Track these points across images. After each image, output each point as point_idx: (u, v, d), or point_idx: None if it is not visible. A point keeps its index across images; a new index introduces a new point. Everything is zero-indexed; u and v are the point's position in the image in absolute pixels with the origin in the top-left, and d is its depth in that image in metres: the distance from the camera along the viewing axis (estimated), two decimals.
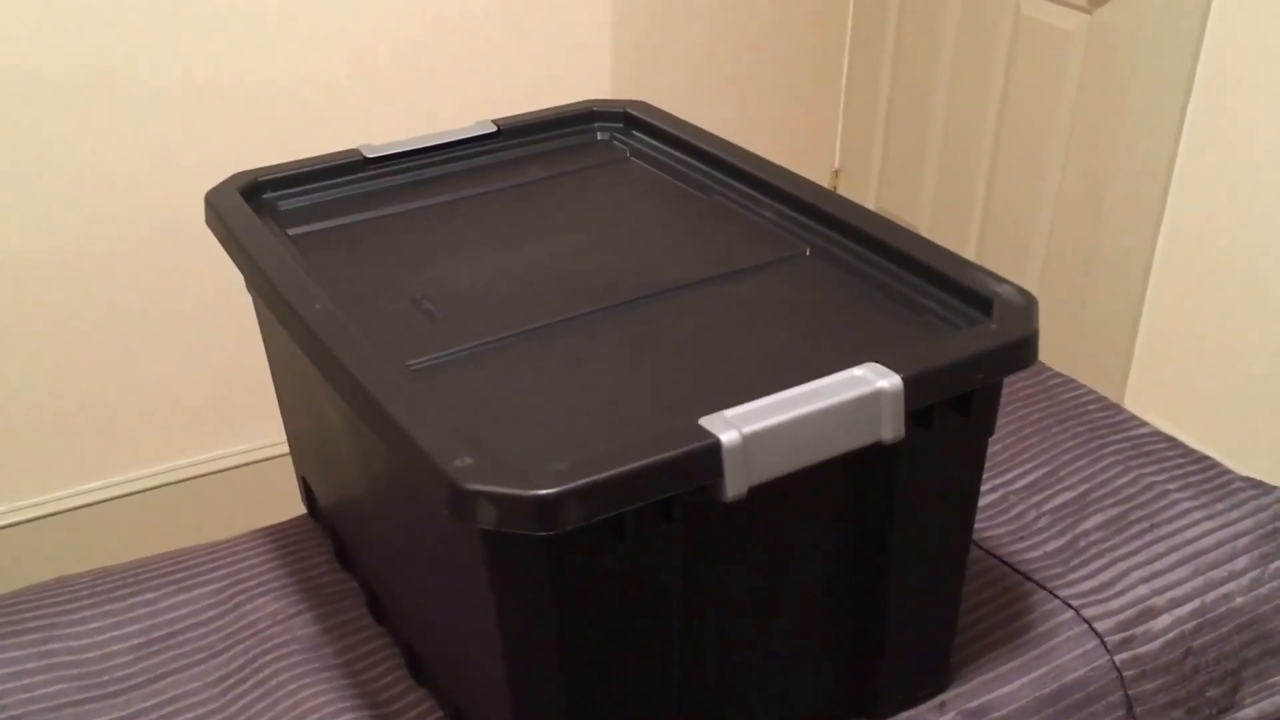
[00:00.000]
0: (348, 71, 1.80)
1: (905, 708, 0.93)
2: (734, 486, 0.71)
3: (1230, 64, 1.67)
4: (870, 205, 2.39)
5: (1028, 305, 0.83)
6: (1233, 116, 1.69)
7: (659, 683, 0.79)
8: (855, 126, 2.41)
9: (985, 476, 1.16)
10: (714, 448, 0.69)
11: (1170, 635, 1.01)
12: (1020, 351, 0.80)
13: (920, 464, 0.82)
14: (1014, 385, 1.30)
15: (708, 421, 0.71)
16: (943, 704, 0.94)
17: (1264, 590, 1.06)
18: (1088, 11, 1.84)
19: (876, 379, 0.75)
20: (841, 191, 2.45)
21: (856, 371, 0.76)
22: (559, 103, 1.23)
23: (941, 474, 0.85)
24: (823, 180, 2.47)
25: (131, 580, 1.07)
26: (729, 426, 0.70)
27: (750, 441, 0.70)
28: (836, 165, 2.48)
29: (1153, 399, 1.91)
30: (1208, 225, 1.76)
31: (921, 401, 0.77)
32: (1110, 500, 1.13)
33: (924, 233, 2.15)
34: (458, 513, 0.67)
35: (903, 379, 0.75)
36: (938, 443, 0.82)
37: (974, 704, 0.94)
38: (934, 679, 0.94)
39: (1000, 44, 2.03)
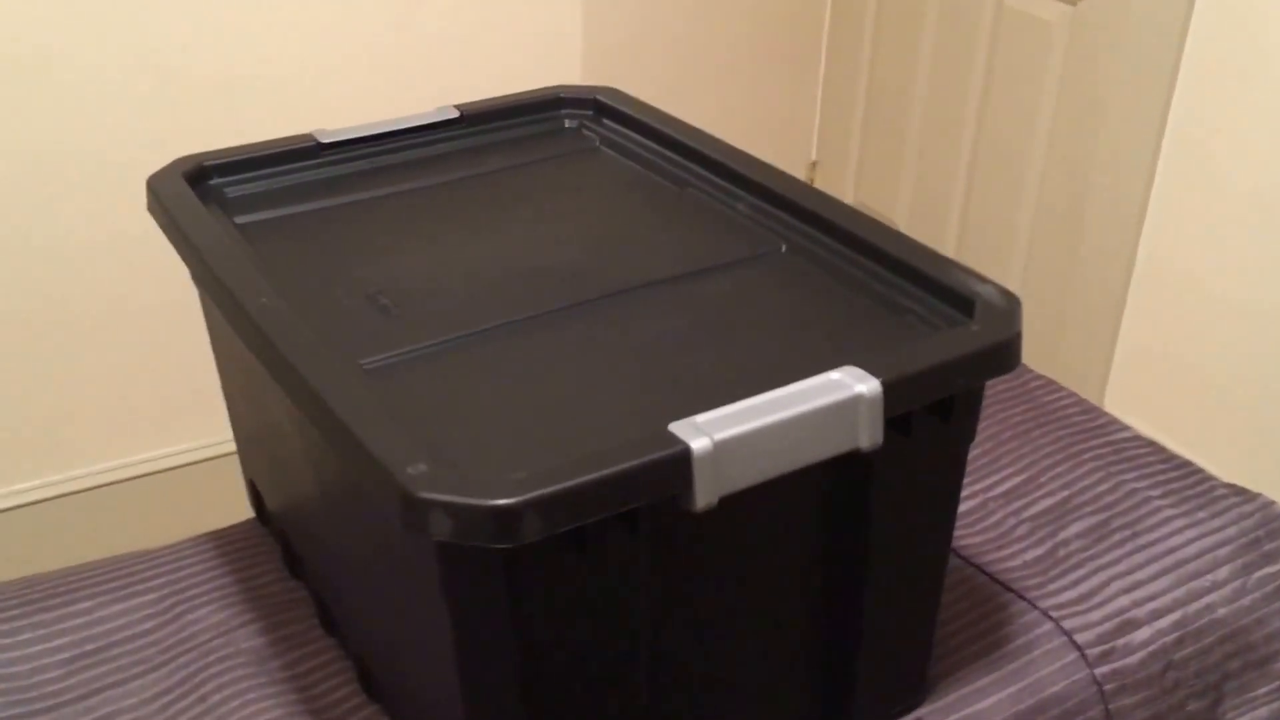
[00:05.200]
0: (305, 54, 1.75)
1: None
2: (704, 496, 0.68)
3: (1215, 54, 1.66)
4: (848, 199, 2.37)
5: (1010, 306, 0.81)
6: (1218, 109, 1.67)
7: (625, 702, 0.77)
8: (833, 118, 2.39)
9: (964, 482, 1.14)
10: (684, 455, 0.67)
11: (1151, 647, 0.99)
12: (1003, 355, 0.79)
13: (898, 472, 0.81)
14: (994, 387, 1.28)
15: (677, 428, 0.68)
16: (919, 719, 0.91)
17: (1247, 601, 1.04)
18: (1071, 2, 1.83)
19: (854, 383, 0.72)
20: (819, 185, 2.42)
21: (833, 375, 0.73)
22: (527, 89, 1.19)
23: (920, 482, 0.83)
24: (799, 173, 2.45)
25: (64, 589, 1.03)
26: (700, 433, 0.68)
27: (722, 449, 0.68)
28: (814, 158, 2.46)
29: (1134, 401, 1.89)
30: (1191, 223, 1.74)
31: (901, 407, 0.75)
32: (1091, 507, 1.11)
33: (902, 228, 2.12)
34: (410, 523, 0.65)
35: (881, 384, 0.73)
36: (917, 450, 0.80)
37: (951, 719, 0.91)
38: (911, 693, 0.93)
39: (981, 35, 2.01)
